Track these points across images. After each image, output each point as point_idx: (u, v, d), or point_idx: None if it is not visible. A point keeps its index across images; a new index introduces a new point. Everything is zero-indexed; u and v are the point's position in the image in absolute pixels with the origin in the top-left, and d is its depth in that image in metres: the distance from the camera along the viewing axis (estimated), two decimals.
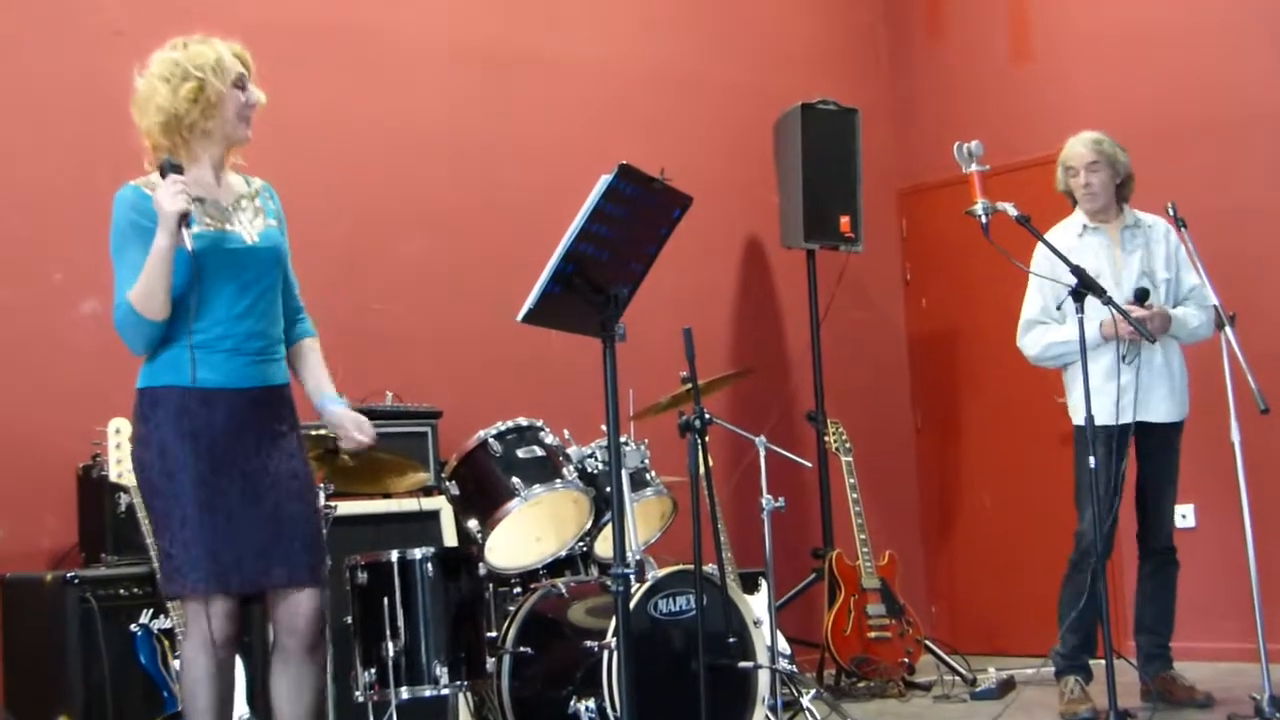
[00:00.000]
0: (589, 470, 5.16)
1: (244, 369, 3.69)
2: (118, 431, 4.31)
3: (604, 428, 3.87)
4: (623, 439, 4.95)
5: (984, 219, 4.83)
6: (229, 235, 3.69)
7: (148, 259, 3.52)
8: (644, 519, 5.26)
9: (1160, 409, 5.46)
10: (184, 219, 3.49)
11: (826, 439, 6.66)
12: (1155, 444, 5.50)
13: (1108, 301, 4.80)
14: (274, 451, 3.71)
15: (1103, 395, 5.26)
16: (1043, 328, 5.57)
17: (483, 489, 5.00)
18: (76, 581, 4.52)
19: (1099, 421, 5.05)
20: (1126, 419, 5.32)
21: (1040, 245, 5.36)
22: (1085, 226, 5.59)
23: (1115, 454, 5.33)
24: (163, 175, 3.55)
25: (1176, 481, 5.59)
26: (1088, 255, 5.43)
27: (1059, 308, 5.36)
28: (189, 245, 3.49)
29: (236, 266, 3.68)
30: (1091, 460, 4.74)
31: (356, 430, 3.93)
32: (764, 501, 5.19)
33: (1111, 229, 5.59)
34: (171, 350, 3.65)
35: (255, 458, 3.68)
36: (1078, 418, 5.47)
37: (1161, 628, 5.62)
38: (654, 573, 4.66)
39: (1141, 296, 5.31)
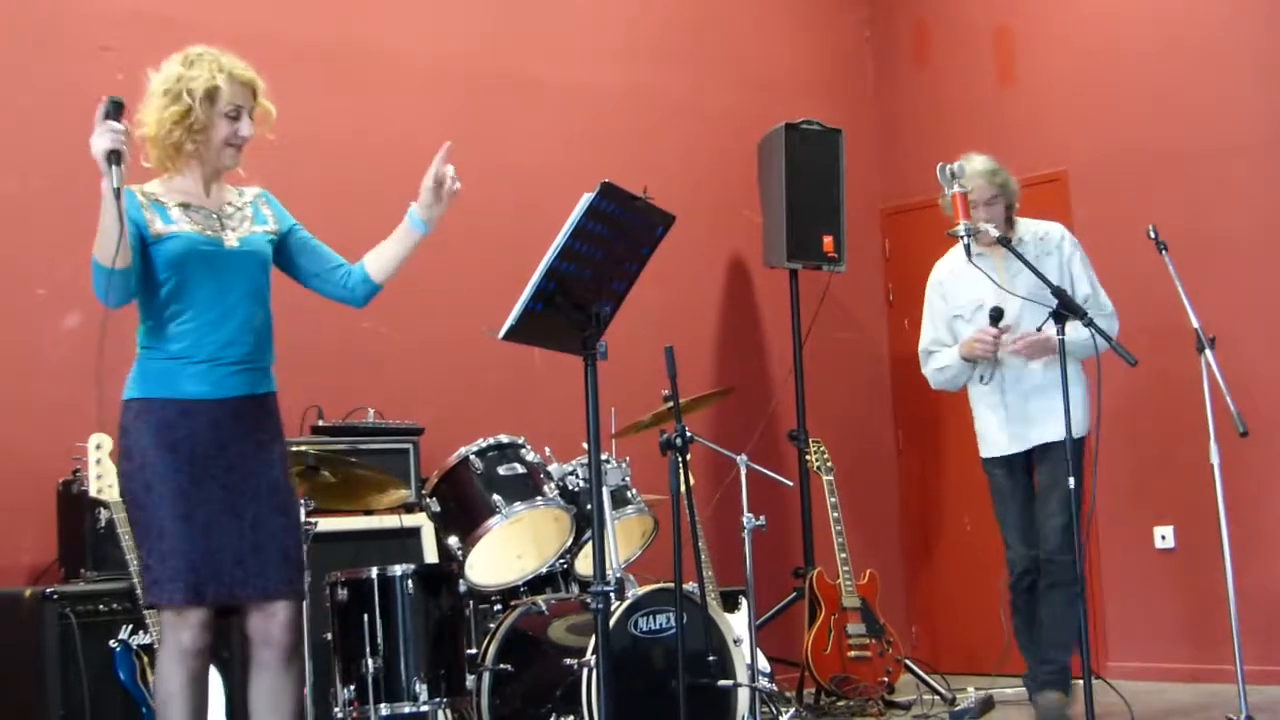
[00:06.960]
0: (570, 488, 5.16)
1: (225, 379, 3.70)
2: (98, 447, 4.30)
3: (585, 445, 3.88)
4: (604, 457, 4.97)
5: (966, 240, 4.85)
6: (207, 238, 3.71)
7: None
8: (625, 537, 5.26)
9: (1048, 429, 5.37)
10: (113, 157, 3.45)
11: (808, 458, 6.67)
12: (1048, 460, 5.43)
13: (1089, 323, 4.70)
14: (256, 462, 3.72)
15: (991, 426, 5.53)
16: (934, 355, 5.62)
17: (463, 506, 4.99)
18: (55, 597, 4.50)
19: (996, 452, 5.49)
20: (1017, 448, 5.46)
21: (935, 270, 5.64)
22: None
23: (1015, 478, 5.51)
24: (105, 117, 3.49)
25: (1066, 494, 5.06)
26: (970, 282, 5.40)
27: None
28: (115, 183, 3.44)
29: (212, 269, 3.69)
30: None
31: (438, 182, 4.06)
32: (745, 520, 5.20)
33: (996, 251, 5.36)
34: (153, 361, 3.68)
35: (237, 469, 3.68)
36: (981, 449, 5.64)
37: (1050, 648, 5.45)
38: (634, 590, 4.66)
39: (995, 317, 5.34)
